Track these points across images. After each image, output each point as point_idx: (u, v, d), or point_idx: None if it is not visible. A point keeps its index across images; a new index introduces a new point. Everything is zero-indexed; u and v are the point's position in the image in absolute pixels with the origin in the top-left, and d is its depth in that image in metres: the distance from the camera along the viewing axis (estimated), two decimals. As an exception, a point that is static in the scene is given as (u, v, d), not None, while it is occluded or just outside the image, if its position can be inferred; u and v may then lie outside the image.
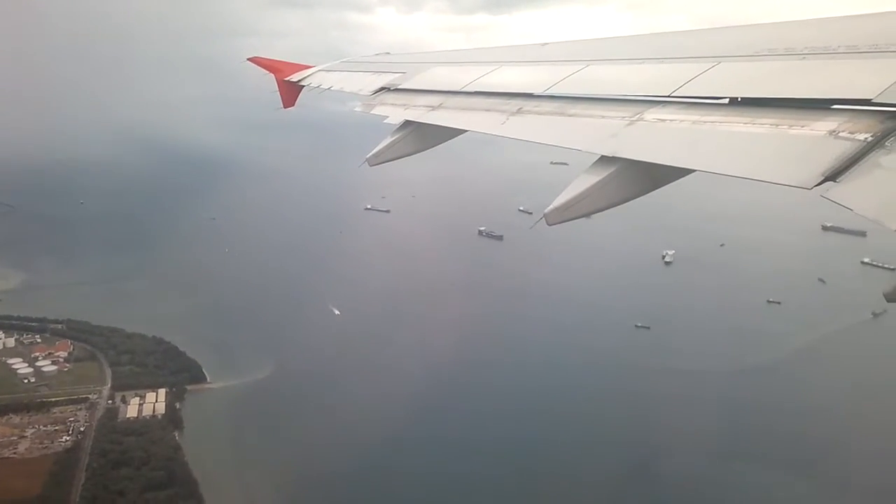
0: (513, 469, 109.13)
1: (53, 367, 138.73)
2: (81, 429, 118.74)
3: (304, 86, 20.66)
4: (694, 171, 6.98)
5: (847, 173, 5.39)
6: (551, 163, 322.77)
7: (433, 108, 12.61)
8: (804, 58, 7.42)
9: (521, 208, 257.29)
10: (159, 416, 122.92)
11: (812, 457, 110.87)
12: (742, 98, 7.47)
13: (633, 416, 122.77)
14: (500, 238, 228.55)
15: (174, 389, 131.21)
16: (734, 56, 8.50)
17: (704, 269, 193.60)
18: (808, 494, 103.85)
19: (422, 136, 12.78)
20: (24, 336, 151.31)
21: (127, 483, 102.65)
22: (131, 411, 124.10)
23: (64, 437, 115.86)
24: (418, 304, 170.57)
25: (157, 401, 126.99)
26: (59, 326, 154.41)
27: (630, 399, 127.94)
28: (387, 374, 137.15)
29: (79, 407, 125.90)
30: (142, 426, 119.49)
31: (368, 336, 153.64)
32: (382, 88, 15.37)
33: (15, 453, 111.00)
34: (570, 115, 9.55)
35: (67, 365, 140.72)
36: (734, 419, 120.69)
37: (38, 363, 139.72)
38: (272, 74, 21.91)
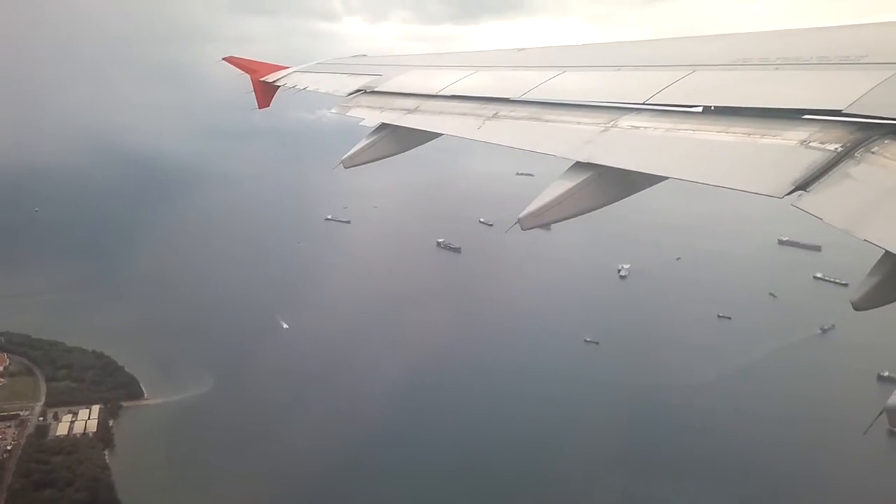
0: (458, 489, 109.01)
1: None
2: (8, 447, 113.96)
3: (279, 86, 20.52)
4: (667, 178, 7.01)
5: (817, 183, 5.44)
6: (517, 173, 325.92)
7: (410, 111, 12.58)
8: (777, 68, 7.50)
9: (482, 220, 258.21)
10: (90, 434, 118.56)
11: (745, 471, 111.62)
12: (715, 106, 7.52)
13: (567, 431, 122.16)
14: (457, 250, 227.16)
15: (108, 406, 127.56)
16: (709, 65, 8.56)
17: (658, 283, 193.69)
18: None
19: (398, 139, 12.74)
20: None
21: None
22: (62, 429, 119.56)
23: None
24: (369, 317, 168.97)
25: (89, 418, 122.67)
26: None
27: (568, 414, 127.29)
28: (330, 390, 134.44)
29: (8, 424, 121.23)
30: (71, 445, 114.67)
31: (315, 350, 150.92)
32: (359, 90, 15.29)
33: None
34: (545, 121, 9.56)
35: (2, 380, 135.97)
36: (669, 435, 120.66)
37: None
38: (248, 74, 21.73)
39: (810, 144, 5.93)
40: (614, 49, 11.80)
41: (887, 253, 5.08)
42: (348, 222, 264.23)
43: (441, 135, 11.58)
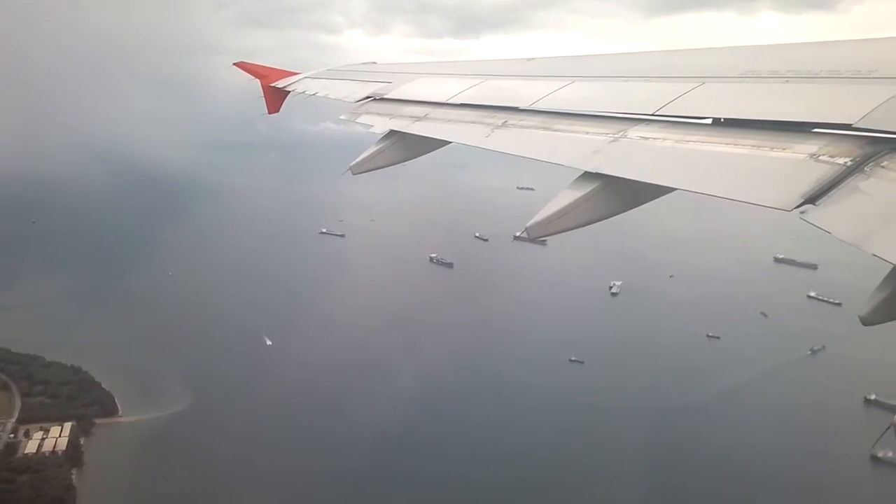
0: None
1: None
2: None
3: (289, 92, 20.61)
4: (676, 189, 7.00)
5: (826, 197, 5.43)
6: (518, 187, 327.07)
7: (418, 118, 12.61)
8: (787, 81, 7.49)
9: (477, 234, 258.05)
10: (59, 453, 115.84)
11: (722, 497, 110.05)
12: (725, 119, 7.52)
13: (540, 453, 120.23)
14: (450, 265, 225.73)
15: (80, 423, 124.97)
16: (719, 77, 8.57)
17: (649, 301, 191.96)
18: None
19: (406, 147, 12.76)
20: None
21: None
22: (32, 446, 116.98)
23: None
24: (352, 335, 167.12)
25: (60, 435, 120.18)
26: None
27: (544, 435, 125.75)
28: (309, 408, 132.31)
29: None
30: (38, 463, 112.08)
31: (296, 367, 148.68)
32: (368, 97, 15.36)
33: None
34: (554, 130, 9.57)
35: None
36: (643, 459, 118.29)
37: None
38: (258, 80, 21.84)
39: (820, 158, 5.93)
40: (624, 60, 11.82)
41: None
42: (342, 236, 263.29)
43: (449, 142, 11.61)
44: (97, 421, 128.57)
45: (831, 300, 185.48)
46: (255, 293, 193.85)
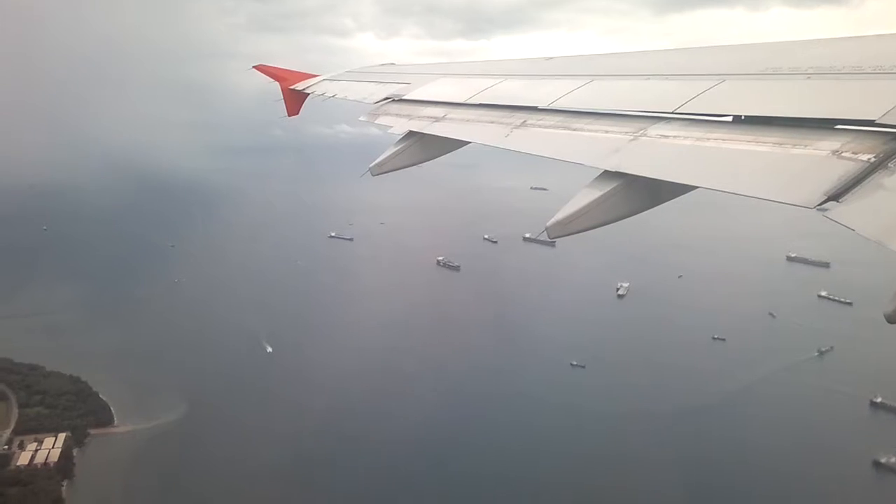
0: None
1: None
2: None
3: (308, 94, 20.70)
4: (696, 187, 6.98)
5: (850, 193, 5.39)
6: (531, 188, 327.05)
7: (437, 119, 12.63)
8: (809, 77, 7.44)
9: (487, 237, 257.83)
10: (51, 464, 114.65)
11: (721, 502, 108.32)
12: (746, 116, 7.47)
13: (534, 459, 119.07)
14: (457, 269, 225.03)
15: (74, 434, 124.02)
16: (739, 74, 8.52)
17: (656, 303, 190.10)
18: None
19: (425, 147, 12.78)
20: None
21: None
22: (25, 458, 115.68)
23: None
24: (354, 340, 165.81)
25: (53, 446, 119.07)
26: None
27: (539, 440, 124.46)
28: (306, 418, 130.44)
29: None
30: (29, 475, 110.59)
31: (295, 375, 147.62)
32: (387, 98, 15.40)
33: None
34: (573, 130, 9.56)
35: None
36: (639, 464, 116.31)
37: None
38: (277, 82, 21.95)
39: (843, 155, 5.88)
40: (642, 58, 11.77)
41: None
42: (351, 240, 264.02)
43: (469, 143, 11.62)
44: (92, 431, 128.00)
45: (842, 299, 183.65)
46: (259, 300, 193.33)
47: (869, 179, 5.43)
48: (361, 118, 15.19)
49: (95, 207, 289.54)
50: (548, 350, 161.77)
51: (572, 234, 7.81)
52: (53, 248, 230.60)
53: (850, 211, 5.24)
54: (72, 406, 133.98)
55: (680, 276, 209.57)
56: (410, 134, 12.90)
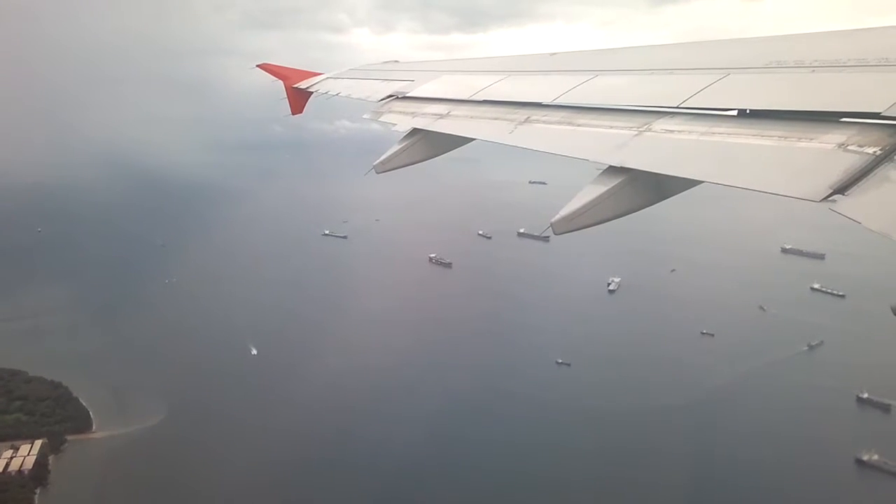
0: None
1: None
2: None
3: (312, 92, 20.72)
4: (701, 182, 6.98)
5: (855, 186, 5.38)
6: (530, 182, 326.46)
7: (441, 116, 12.63)
8: (813, 70, 7.42)
9: (481, 232, 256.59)
10: (26, 472, 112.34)
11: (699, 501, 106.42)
12: (751, 110, 7.47)
13: (512, 459, 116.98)
14: (448, 265, 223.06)
15: (51, 440, 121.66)
16: (743, 68, 8.50)
17: (647, 298, 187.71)
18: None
19: (429, 145, 12.79)
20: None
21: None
22: None
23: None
24: (341, 342, 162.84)
25: (28, 453, 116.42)
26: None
27: (518, 440, 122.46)
28: (290, 422, 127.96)
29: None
30: (2, 483, 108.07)
31: (279, 379, 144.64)
32: (391, 96, 15.41)
33: None
34: (578, 125, 9.56)
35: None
36: (616, 463, 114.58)
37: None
38: (280, 81, 21.98)
39: (848, 148, 5.87)
40: (647, 53, 11.75)
41: None
42: (345, 237, 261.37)
43: (473, 139, 11.63)
44: (69, 437, 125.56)
45: (835, 292, 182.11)
46: (248, 300, 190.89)
47: (875, 172, 5.43)
48: (365, 116, 15.21)
49: (91, 207, 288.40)
50: (534, 347, 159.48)
51: (578, 229, 7.82)
52: (46, 250, 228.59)
53: (855, 204, 5.24)
54: (51, 412, 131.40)
55: (673, 270, 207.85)
56: (415, 131, 12.90)
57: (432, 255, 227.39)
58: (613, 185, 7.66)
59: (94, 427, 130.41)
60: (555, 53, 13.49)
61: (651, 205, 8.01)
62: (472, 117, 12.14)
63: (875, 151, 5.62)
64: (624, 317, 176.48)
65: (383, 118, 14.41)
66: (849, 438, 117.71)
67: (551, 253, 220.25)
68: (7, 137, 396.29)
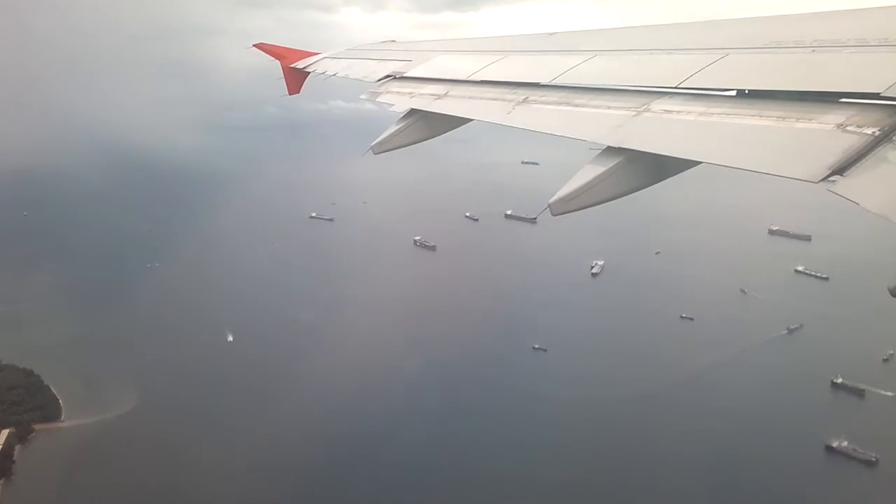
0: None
1: None
2: None
3: (309, 72, 20.62)
4: (700, 162, 6.97)
5: (854, 167, 5.37)
6: (523, 162, 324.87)
7: (439, 96, 12.58)
8: (813, 51, 7.39)
9: (468, 214, 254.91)
10: None
11: (667, 489, 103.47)
12: (749, 90, 7.44)
13: (478, 447, 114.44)
14: (433, 248, 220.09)
15: (18, 430, 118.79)
16: (742, 48, 8.46)
17: (629, 281, 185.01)
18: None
19: (427, 125, 12.75)
20: None
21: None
22: None
23: None
24: (319, 327, 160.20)
25: None
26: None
27: (487, 427, 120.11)
28: (262, 410, 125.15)
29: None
30: None
31: (253, 365, 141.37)
32: (388, 76, 15.33)
33: None
34: (576, 106, 9.53)
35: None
36: (578, 450, 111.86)
37: None
38: (277, 61, 21.86)
39: (847, 128, 5.85)
40: (645, 33, 11.69)
41: None
42: (331, 220, 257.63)
43: (471, 120, 11.59)
44: (37, 427, 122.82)
45: (819, 274, 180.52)
46: (227, 286, 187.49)
47: (873, 153, 5.42)
48: (363, 97, 15.13)
49: (79, 191, 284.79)
50: (512, 332, 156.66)
51: (575, 210, 7.80)
52: (31, 235, 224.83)
53: (854, 185, 5.23)
54: (20, 401, 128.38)
55: (657, 253, 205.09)
56: (412, 112, 12.85)
57: (417, 238, 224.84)
58: (611, 165, 7.64)
59: (63, 416, 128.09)
60: (553, 33, 13.42)
61: (649, 185, 8.01)
62: (470, 98, 12.10)
63: (874, 132, 5.61)
64: (604, 301, 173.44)
65: (381, 98, 14.34)
66: (821, 425, 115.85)
67: (538, 235, 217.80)
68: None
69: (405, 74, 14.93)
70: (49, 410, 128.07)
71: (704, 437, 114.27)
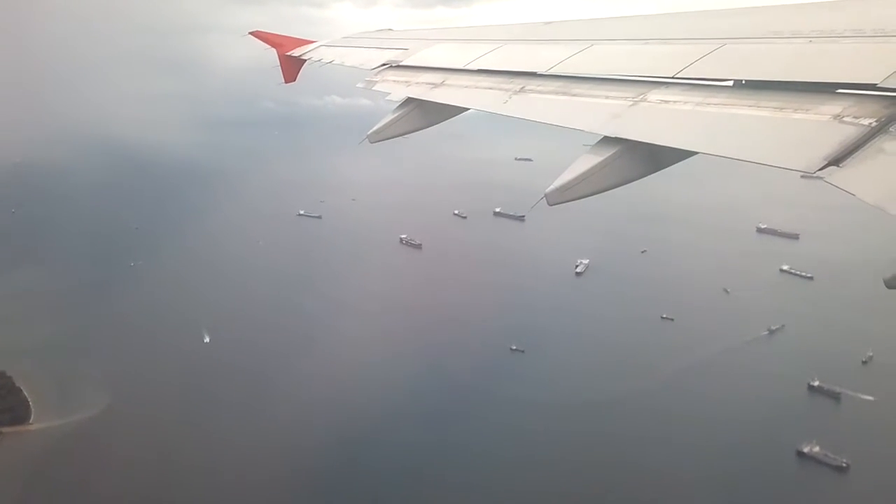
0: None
1: None
2: None
3: (305, 60, 20.53)
4: (696, 153, 6.97)
5: (850, 158, 5.38)
6: (516, 158, 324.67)
7: (436, 85, 12.55)
8: (810, 41, 7.39)
9: (457, 212, 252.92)
10: None
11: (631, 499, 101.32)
12: (746, 80, 7.44)
13: (449, 450, 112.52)
14: (418, 247, 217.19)
15: None
16: (739, 38, 8.46)
17: (613, 280, 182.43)
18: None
19: (424, 114, 12.72)
20: None
21: None
22: None
23: None
24: (299, 328, 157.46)
25: None
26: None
27: (454, 430, 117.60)
28: (233, 412, 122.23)
29: None
30: None
31: (229, 367, 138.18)
32: (385, 65, 15.27)
33: None
34: (573, 95, 9.52)
35: None
36: (547, 456, 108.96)
37: None
38: (273, 49, 21.76)
39: (844, 119, 5.86)
40: (643, 22, 11.67)
41: None
42: (319, 217, 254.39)
43: (467, 109, 11.57)
44: (4, 430, 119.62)
45: (804, 274, 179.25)
46: (209, 285, 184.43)
47: (870, 144, 5.42)
48: (359, 85, 15.07)
49: (70, 188, 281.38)
50: (490, 333, 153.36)
51: (571, 200, 7.81)
52: (17, 233, 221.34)
53: (850, 176, 5.24)
54: None
55: (644, 252, 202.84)
56: (409, 101, 12.82)
57: (403, 237, 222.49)
58: (608, 155, 7.65)
59: (31, 418, 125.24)
60: (550, 22, 13.38)
61: (646, 176, 8.01)
62: (466, 87, 12.07)
63: (871, 123, 5.61)
64: (586, 301, 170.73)
65: (377, 87, 14.30)
66: (794, 429, 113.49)
67: (525, 233, 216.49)
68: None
69: (402, 63, 14.88)
70: (19, 413, 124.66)
71: (670, 445, 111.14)
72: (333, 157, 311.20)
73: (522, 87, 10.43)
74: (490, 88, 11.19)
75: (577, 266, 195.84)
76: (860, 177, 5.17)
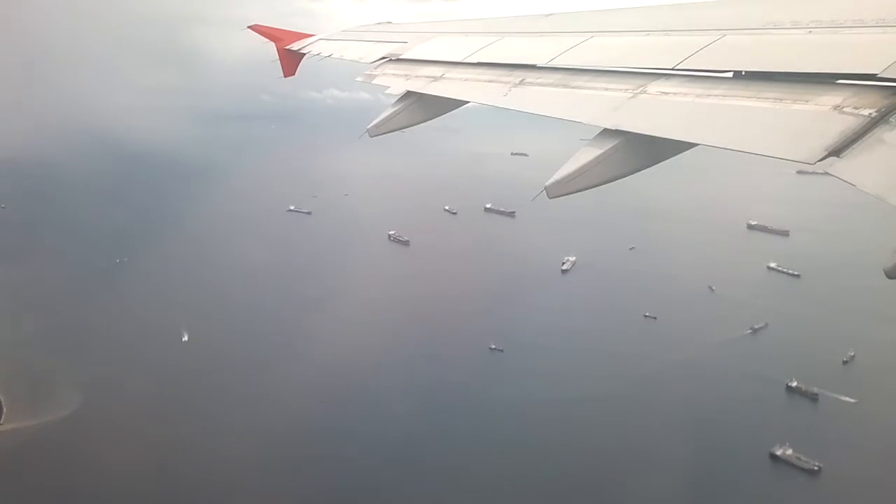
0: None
1: None
2: None
3: (304, 54, 20.48)
4: (696, 144, 6.96)
5: (851, 149, 5.37)
6: (512, 153, 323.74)
7: (435, 78, 12.52)
8: (810, 31, 7.37)
9: (447, 207, 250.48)
10: None
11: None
12: (746, 72, 7.42)
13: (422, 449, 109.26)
14: (406, 243, 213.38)
15: None
16: (739, 29, 8.44)
17: (599, 277, 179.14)
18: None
19: (423, 108, 12.69)
20: None
21: None
22: None
23: None
24: (279, 327, 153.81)
25: None
26: None
27: (431, 431, 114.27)
28: (207, 415, 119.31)
29: None
30: None
31: (206, 367, 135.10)
32: (384, 58, 15.22)
33: None
34: (573, 87, 9.50)
35: None
36: (513, 455, 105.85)
37: None
38: (272, 43, 21.70)
39: (844, 110, 5.85)
40: (643, 14, 11.64)
41: None
42: (309, 213, 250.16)
43: (467, 102, 11.55)
44: None
45: (791, 272, 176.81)
46: (192, 282, 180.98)
47: (870, 134, 5.41)
48: (359, 79, 15.03)
49: (62, 183, 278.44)
50: (470, 332, 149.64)
51: (571, 192, 7.81)
52: (5, 228, 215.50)
53: (851, 166, 5.23)
54: None
55: (632, 248, 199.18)
56: (408, 94, 12.79)
57: (391, 233, 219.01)
58: (608, 147, 7.64)
59: (2, 419, 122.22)
60: (549, 14, 13.35)
61: (646, 168, 8.00)
62: (466, 80, 12.05)
63: (871, 113, 5.60)
64: (570, 299, 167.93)
65: (376, 81, 14.26)
66: (769, 431, 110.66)
67: (515, 229, 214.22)
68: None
69: (401, 56, 14.84)
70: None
71: (644, 445, 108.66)
72: (330, 151, 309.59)
73: (522, 80, 10.42)
74: (490, 81, 11.17)
75: (563, 263, 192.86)
76: (860, 167, 5.17)
